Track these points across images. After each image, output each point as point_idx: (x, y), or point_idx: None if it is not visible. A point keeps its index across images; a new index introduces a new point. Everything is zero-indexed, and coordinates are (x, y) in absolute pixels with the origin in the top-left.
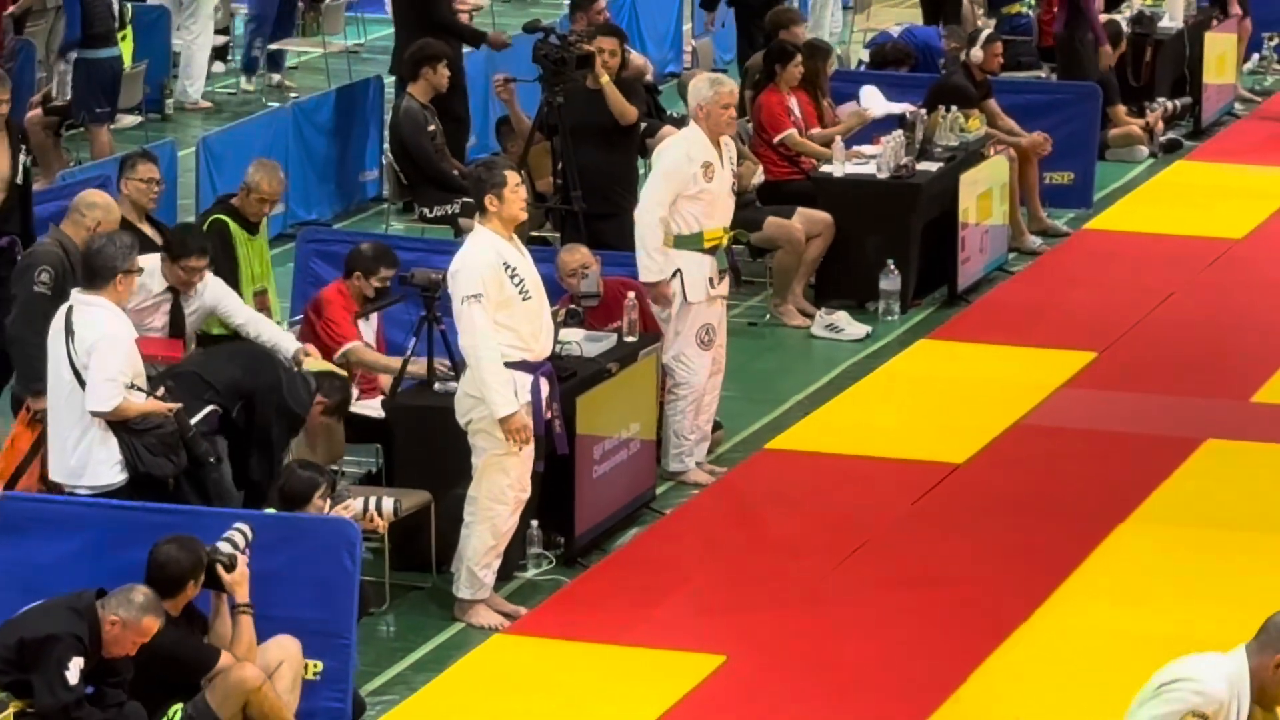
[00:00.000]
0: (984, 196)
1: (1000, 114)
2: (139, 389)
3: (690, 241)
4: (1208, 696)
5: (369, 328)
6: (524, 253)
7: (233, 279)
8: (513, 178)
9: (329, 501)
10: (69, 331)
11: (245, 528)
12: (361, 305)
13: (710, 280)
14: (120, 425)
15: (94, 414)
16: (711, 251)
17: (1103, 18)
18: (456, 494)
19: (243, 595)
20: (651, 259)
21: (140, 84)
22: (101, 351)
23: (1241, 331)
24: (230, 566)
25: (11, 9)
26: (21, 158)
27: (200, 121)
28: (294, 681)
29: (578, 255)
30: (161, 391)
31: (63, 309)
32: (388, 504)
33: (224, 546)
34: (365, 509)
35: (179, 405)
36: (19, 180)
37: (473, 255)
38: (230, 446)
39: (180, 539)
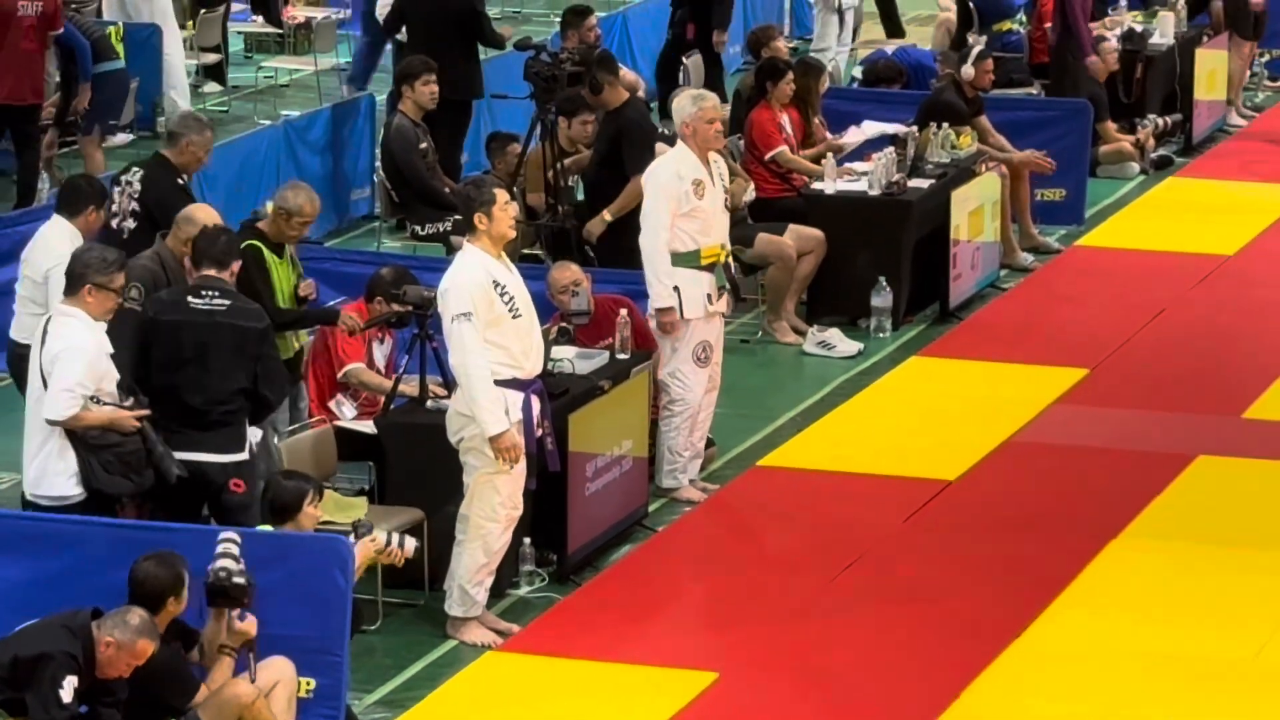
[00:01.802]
0: (975, 213)
1: (992, 131)
2: (103, 402)
3: (688, 259)
4: None
5: (381, 350)
6: (513, 270)
7: (271, 305)
8: (501, 195)
9: (319, 508)
10: (43, 340)
11: (234, 537)
12: (380, 329)
13: (709, 297)
14: (79, 439)
15: (50, 422)
16: (709, 268)
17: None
18: (448, 511)
19: (236, 641)
20: (663, 284)
21: (132, 101)
22: (63, 361)
23: (1233, 347)
24: (241, 592)
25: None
26: None
27: None
28: (289, 703)
29: (568, 273)
30: (131, 402)
31: (44, 318)
32: (410, 543)
33: (228, 564)
34: (389, 542)
35: (145, 412)
36: None
37: (462, 274)
38: None
39: (160, 555)
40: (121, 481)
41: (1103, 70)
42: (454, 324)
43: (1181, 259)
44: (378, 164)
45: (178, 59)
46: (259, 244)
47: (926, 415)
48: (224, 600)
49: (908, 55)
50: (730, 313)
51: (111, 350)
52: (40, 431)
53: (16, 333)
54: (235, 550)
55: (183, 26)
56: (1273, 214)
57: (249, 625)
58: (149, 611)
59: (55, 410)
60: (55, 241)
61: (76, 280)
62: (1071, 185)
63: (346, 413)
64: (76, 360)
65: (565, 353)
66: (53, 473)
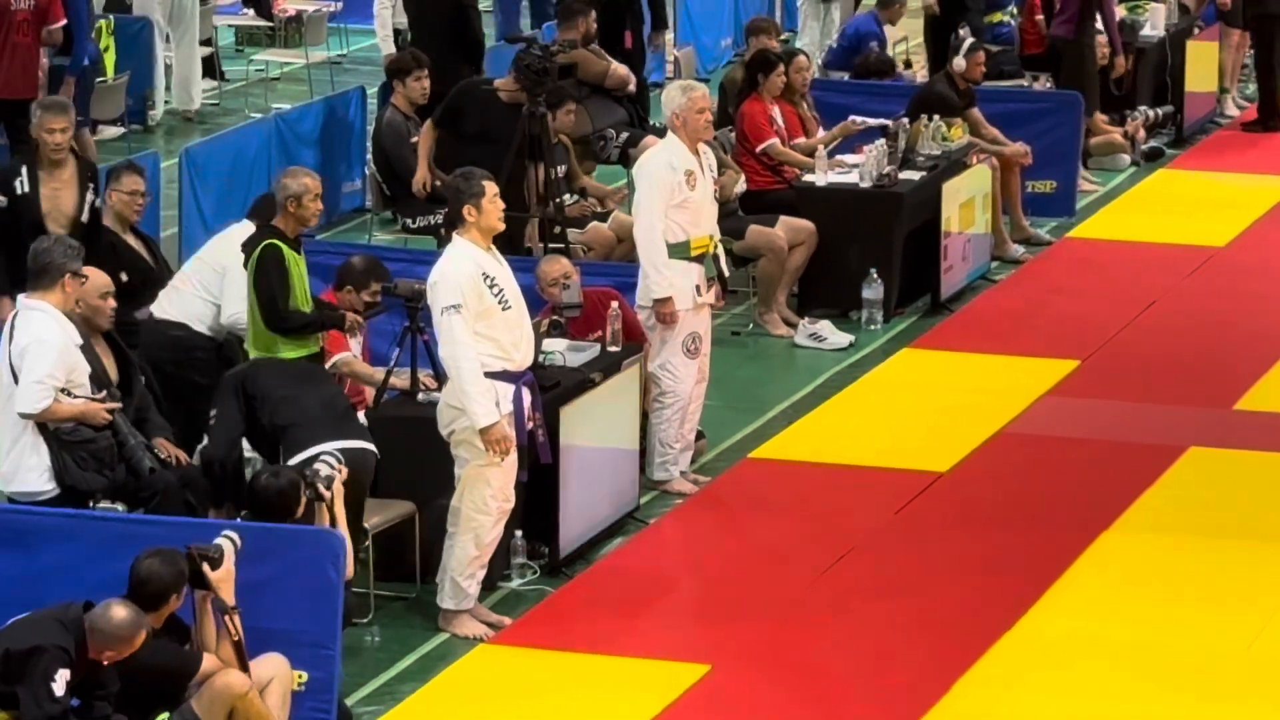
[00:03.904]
0: (966, 205)
1: (983, 123)
2: (74, 395)
3: (677, 250)
4: None
5: (355, 339)
6: (502, 262)
7: (283, 306)
8: (491, 188)
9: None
10: (10, 335)
11: (234, 535)
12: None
13: (697, 288)
14: (51, 435)
15: (22, 415)
16: (698, 260)
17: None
18: (440, 504)
19: (229, 595)
20: (660, 273)
21: (122, 95)
22: (32, 354)
23: (1224, 339)
24: (217, 563)
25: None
26: (90, 196)
27: (183, 133)
28: (284, 699)
29: (558, 266)
30: (103, 394)
31: (11, 314)
32: (331, 460)
33: (219, 541)
34: (330, 473)
35: (118, 405)
36: (84, 219)
37: (451, 266)
38: None
39: (162, 552)
40: (95, 477)
41: (1117, 68)
42: (443, 316)
43: (1173, 250)
44: (369, 157)
45: (192, 71)
46: (278, 242)
47: (918, 407)
48: (193, 578)
49: (846, 37)
50: (720, 305)
51: (80, 342)
52: (13, 427)
53: (173, 311)
54: (228, 546)
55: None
56: (1264, 205)
57: (224, 574)
58: (150, 609)
59: (28, 404)
60: (239, 241)
61: (55, 271)
62: (1062, 177)
63: None
64: (45, 353)
65: (556, 345)
66: (26, 468)
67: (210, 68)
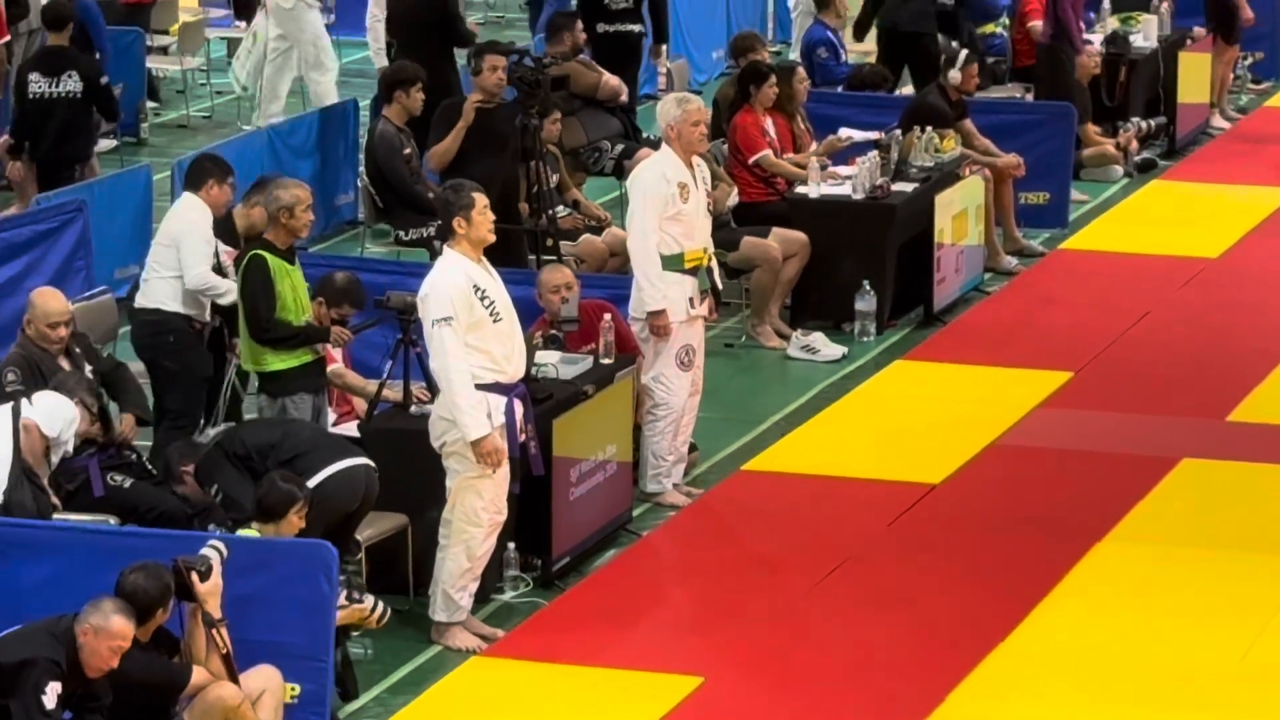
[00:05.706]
0: (959, 217)
1: (976, 134)
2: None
3: (671, 263)
4: None
5: (337, 350)
6: (493, 274)
7: (267, 318)
8: (481, 200)
9: (303, 519)
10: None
11: (220, 545)
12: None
13: (691, 301)
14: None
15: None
16: (692, 272)
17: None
18: (433, 517)
19: (215, 608)
20: (654, 286)
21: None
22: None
23: (1217, 350)
24: (205, 576)
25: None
26: None
27: (175, 144)
28: (275, 711)
29: (560, 274)
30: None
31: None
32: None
33: (205, 551)
34: (374, 609)
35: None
36: None
37: (441, 278)
38: None
39: (147, 566)
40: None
41: (1086, 71)
42: (434, 329)
43: (1166, 262)
44: (361, 169)
45: (326, 40)
46: (264, 253)
47: (911, 419)
48: (180, 592)
49: (801, 45)
50: (713, 318)
51: None
52: None
53: (144, 299)
54: (214, 555)
55: (163, 32)
56: (1257, 216)
57: (211, 587)
58: (138, 623)
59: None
60: (184, 210)
61: (66, 394)
62: (1055, 188)
63: (329, 418)
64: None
65: (549, 357)
66: None
67: (151, 89)
